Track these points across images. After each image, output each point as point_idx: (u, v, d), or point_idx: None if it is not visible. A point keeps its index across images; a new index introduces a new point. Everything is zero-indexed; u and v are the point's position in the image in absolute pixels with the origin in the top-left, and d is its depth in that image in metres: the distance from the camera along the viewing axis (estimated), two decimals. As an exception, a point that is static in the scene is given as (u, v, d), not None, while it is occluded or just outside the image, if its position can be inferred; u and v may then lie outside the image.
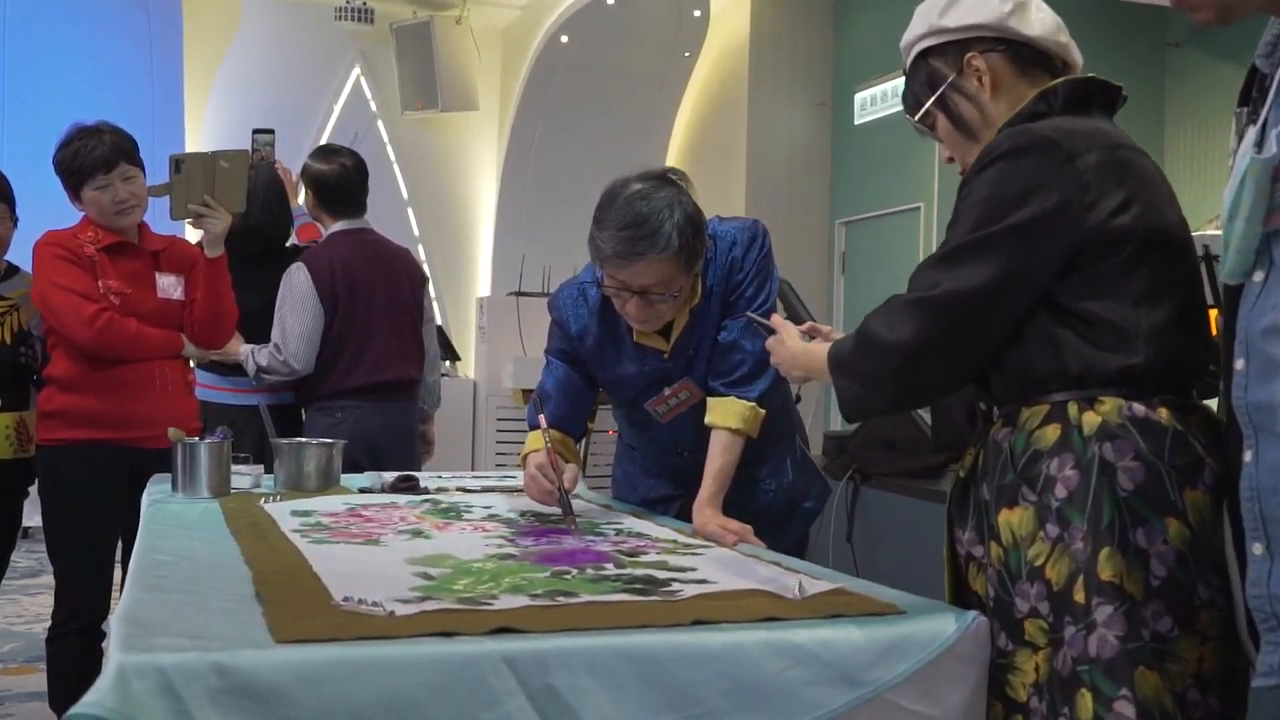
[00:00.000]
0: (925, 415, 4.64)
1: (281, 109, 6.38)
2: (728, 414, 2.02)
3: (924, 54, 1.53)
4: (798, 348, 1.63)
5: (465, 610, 1.28)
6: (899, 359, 1.39)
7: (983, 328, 1.38)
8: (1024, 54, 1.48)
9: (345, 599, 1.27)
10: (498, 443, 6.87)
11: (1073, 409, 1.35)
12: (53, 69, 6.21)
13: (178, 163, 2.74)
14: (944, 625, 1.34)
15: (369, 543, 1.77)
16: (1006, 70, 1.48)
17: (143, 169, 2.81)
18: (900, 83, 6.86)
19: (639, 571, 1.57)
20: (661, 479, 2.25)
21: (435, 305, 7.34)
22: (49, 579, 2.90)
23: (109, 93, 6.09)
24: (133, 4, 6.50)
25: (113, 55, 6.45)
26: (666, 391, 2.10)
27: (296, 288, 3.14)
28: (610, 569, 1.58)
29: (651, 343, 2.07)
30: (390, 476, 2.49)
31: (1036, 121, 1.41)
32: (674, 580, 1.51)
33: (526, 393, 5.98)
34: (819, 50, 7.32)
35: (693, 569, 1.60)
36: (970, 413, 1.52)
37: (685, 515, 2.08)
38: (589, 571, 1.56)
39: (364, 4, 7.14)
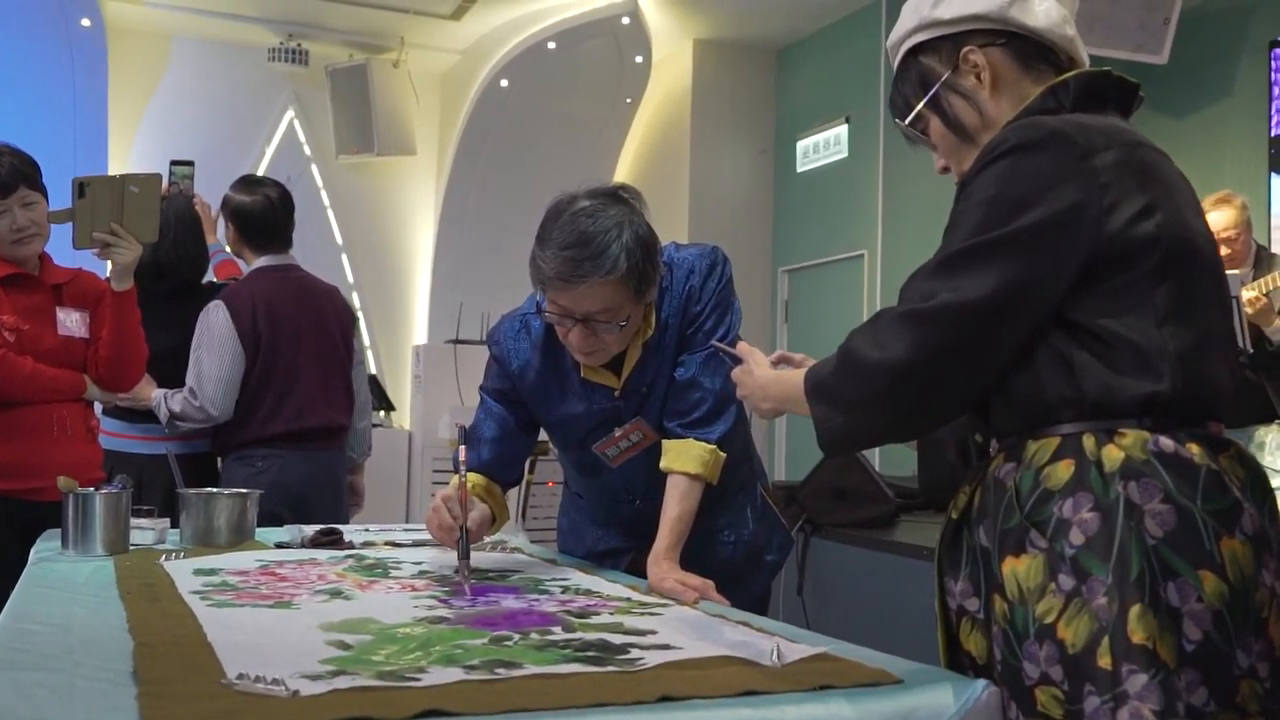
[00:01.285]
0: (875, 462, 4.52)
1: (211, 150, 6.14)
2: (685, 458, 1.84)
3: (914, 51, 1.38)
4: (767, 376, 1.44)
5: (385, 688, 1.07)
6: (889, 381, 1.21)
7: (985, 346, 1.21)
8: (1027, 48, 1.33)
9: (239, 676, 1.06)
10: (433, 496, 6.61)
11: (1088, 442, 1.18)
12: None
13: (81, 186, 2.50)
14: (946, 697, 1.17)
15: (279, 605, 1.55)
16: (1008, 66, 1.33)
17: (45, 194, 2.59)
18: (844, 130, 6.87)
19: (591, 636, 1.37)
20: (611, 529, 2.07)
21: (370, 354, 7.13)
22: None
23: (27, 126, 5.79)
24: (54, 37, 6.24)
25: (33, 89, 6.17)
26: (617, 433, 1.92)
27: (214, 327, 2.92)
28: (558, 633, 1.39)
29: (600, 379, 1.89)
30: (311, 530, 2.27)
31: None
32: (632, 646, 1.31)
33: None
34: (761, 97, 7.32)
35: (652, 632, 1.41)
36: (962, 446, 1.35)
37: (638, 570, 1.89)
38: (534, 636, 1.36)
39: (298, 45, 6.98)
